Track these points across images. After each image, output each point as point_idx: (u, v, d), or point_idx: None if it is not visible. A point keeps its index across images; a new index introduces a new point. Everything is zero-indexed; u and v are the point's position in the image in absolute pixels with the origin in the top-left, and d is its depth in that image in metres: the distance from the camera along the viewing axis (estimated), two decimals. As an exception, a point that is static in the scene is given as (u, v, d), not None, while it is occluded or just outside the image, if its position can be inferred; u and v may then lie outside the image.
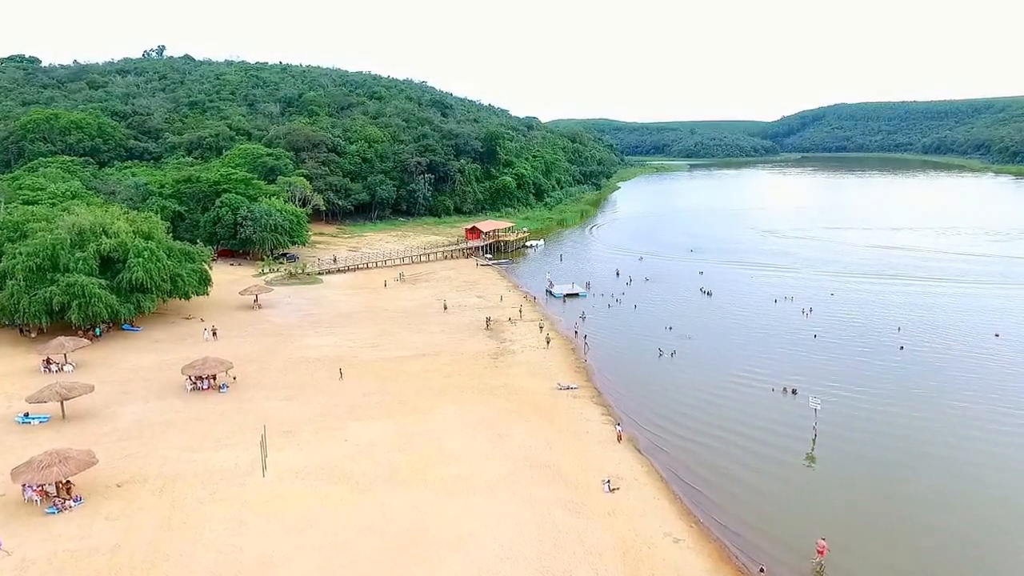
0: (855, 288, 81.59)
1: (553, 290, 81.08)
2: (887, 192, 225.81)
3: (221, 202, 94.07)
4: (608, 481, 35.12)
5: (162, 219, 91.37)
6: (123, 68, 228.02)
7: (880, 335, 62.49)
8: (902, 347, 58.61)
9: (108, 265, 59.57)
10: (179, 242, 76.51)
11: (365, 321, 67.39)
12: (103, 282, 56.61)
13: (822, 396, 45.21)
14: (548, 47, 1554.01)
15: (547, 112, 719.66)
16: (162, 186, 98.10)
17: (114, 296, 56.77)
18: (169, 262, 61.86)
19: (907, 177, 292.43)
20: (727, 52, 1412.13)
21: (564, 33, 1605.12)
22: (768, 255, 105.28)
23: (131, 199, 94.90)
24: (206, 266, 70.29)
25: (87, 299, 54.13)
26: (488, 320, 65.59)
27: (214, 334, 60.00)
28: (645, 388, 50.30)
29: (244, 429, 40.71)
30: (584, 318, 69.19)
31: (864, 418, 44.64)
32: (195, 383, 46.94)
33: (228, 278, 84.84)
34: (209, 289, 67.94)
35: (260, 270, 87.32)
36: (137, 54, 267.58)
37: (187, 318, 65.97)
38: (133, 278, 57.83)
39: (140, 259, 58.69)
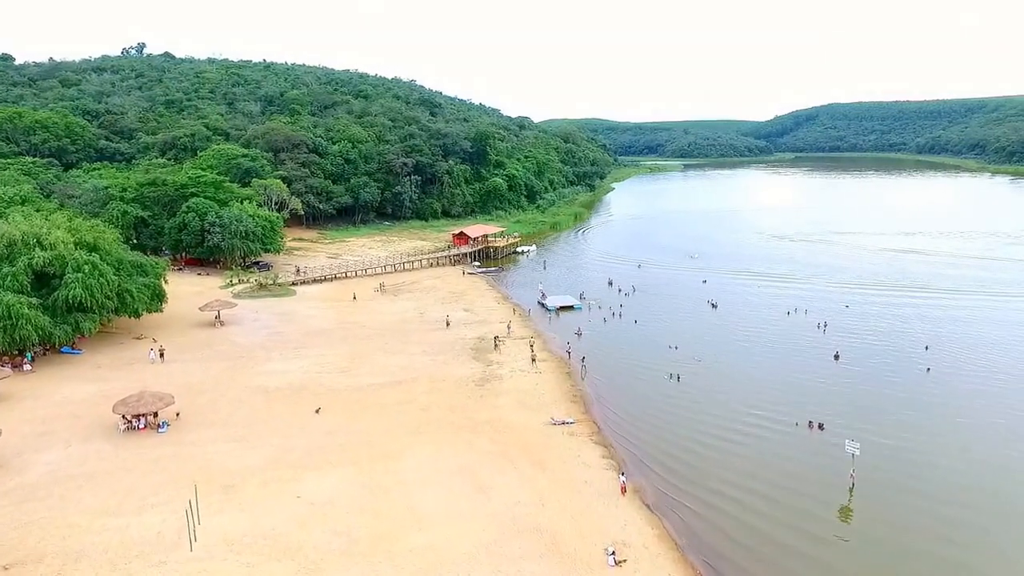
0: (871, 299, 75.70)
1: (546, 302, 74.82)
2: (889, 193, 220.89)
3: (187, 207, 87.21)
4: (613, 552, 28.90)
5: (123, 225, 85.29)
6: (99, 66, 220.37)
7: (907, 355, 56.59)
8: (929, 369, 52.74)
9: (44, 281, 52.79)
10: (135, 252, 69.98)
11: (337, 340, 60.86)
12: (34, 301, 49.85)
13: (851, 431, 39.39)
14: (541, 47, 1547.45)
15: (540, 112, 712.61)
16: (124, 190, 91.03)
17: (47, 317, 50.05)
18: (115, 276, 55.09)
19: (905, 177, 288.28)
20: (720, 52, 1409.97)
21: (557, 33, 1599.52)
22: (773, 262, 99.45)
23: (91, 204, 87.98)
24: (162, 280, 63.47)
25: (13, 321, 47.40)
26: (496, 340, 59.08)
27: (161, 355, 53.50)
28: (650, 423, 44.05)
29: (178, 482, 34.20)
30: (580, 335, 63.04)
31: (904, 461, 38.63)
32: (129, 422, 40.35)
33: (193, 290, 78.20)
34: (163, 305, 61.16)
35: (228, 281, 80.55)
36: (117, 52, 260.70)
37: (138, 338, 59.21)
38: (70, 296, 51.08)
39: (79, 274, 51.94)
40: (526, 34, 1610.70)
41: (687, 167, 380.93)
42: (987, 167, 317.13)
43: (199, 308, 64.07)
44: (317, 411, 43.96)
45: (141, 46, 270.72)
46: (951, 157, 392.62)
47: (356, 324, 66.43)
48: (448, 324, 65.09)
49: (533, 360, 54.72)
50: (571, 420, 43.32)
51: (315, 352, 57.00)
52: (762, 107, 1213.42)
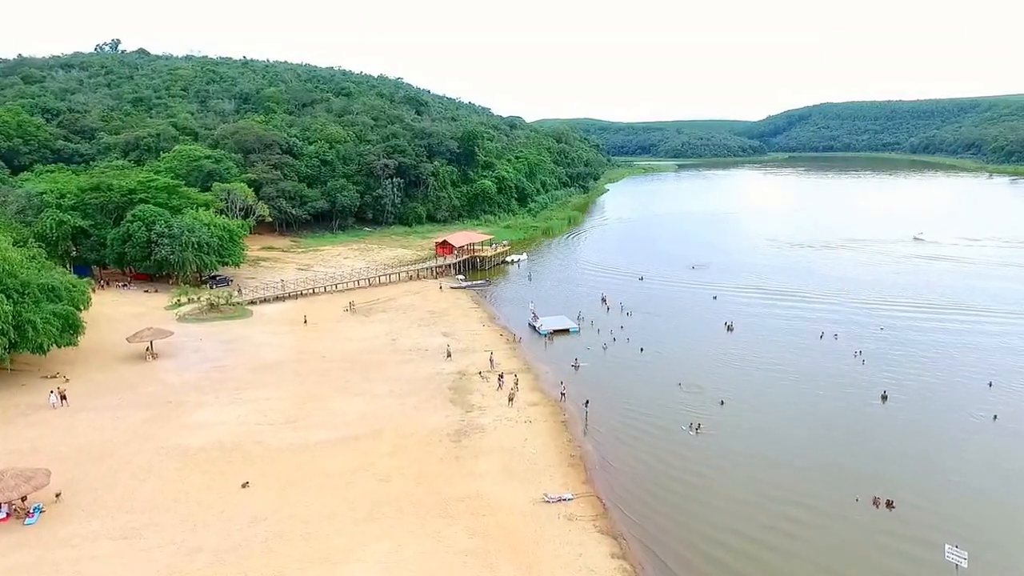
0: (906, 320, 66.35)
1: (537, 324, 65.38)
2: (893, 193, 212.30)
3: (132, 215, 77.22)
4: None
5: (59, 237, 75.50)
6: (68, 63, 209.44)
7: (964, 395, 47.39)
8: (996, 416, 43.69)
9: (-83, 313, 42.90)
10: (61, 270, 60.29)
11: (289, 377, 51.17)
12: None
13: (927, 508, 30.48)
14: (533, 47, 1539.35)
15: (532, 112, 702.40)
16: (62, 196, 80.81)
17: (-86, 359, 40.17)
18: (10, 306, 45.16)
19: (905, 178, 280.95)
20: (712, 52, 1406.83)
21: (549, 33, 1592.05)
22: (788, 273, 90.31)
23: (23, 212, 77.91)
24: (83, 304, 53.66)
25: None
26: (501, 378, 49.26)
27: (62, 398, 44.00)
28: (671, 500, 34.56)
29: (27, 614, 24.61)
30: (577, 367, 53.80)
31: (1013, 556, 29.57)
32: (-14, 511, 30.63)
33: (134, 311, 68.37)
34: (79, 338, 51.19)
35: (175, 301, 70.57)
36: (90, 49, 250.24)
37: (50, 377, 49.24)
38: (-55, 332, 41.24)
39: (-40, 304, 42.11)
40: (518, 34, 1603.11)
41: (681, 167, 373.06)
42: (985, 167, 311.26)
43: (127, 339, 54.04)
44: (244, 485, 34.38)
45: (115, 42, 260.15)
46: (946, 157, 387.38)
47: (315, 355, 56.70)
48: (449, 355, 55.45)
49: (511, 400, 45.54)
50: (569, 496, 33.96)
51: (259, 394, 47.28)
52: (755, 107, 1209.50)
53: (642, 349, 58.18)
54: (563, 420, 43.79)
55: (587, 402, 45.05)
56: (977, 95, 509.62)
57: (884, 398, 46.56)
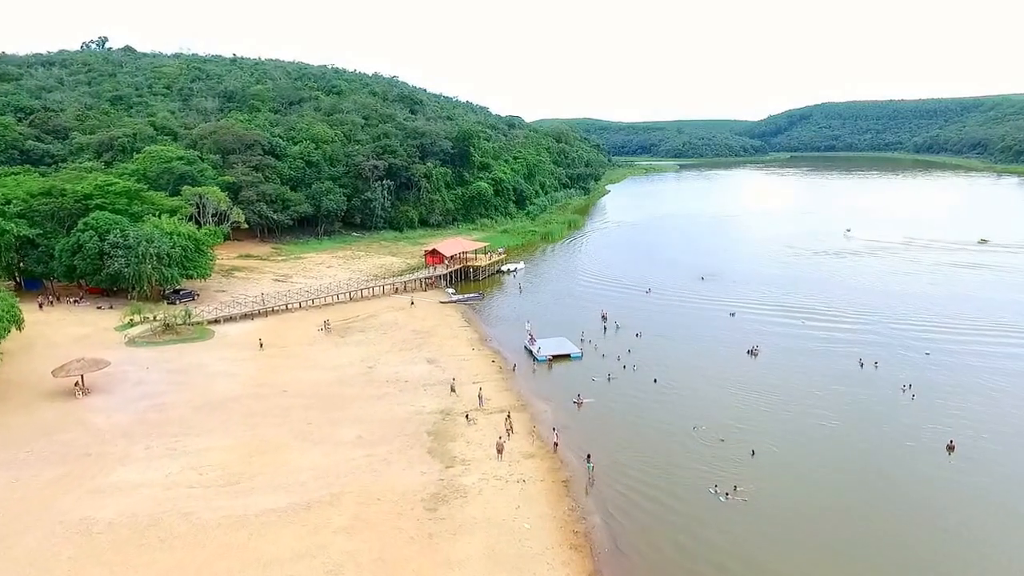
0: (954, 344, 58.05)
1: (534, 348, 57.59)
2: (903, 194, 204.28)
3: (84, 223, 69.51)
4: None
5: (2, 247, 67.96)
6: (49, 60, 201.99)
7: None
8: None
9: None
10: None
11: (239, 418, 43.39)
12: None
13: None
14: (532, 47, 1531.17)
15: (531, 112, 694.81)
16: (7, 202, 73.00)
17: None
18: None
19: (912, 178, 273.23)
20: (711, 51, 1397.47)
21: (547, 33, 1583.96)
22: (807, 285, 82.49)
23: (-37, 219, 70.20)
24: (7, 330, 46.00)
25: None
26: (508, 419, 42.09)
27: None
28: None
29: None
30: (580, 404, 46.13)
31: None
32: None
33: (79, 332, 60.73)
34: (-10, 373, 43.55)
35: (127, 320, 62.70)
36: (76, 47, 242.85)
37: (-44, 419, 41.66)
38: None
39: None
40: (518, 33, 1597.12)
41: (682, 167, 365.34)
42: (993, 167, 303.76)
43: (52, 373, 46.24)
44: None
45: (102, 40, 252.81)
46: (951, 156, 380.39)
47: (276, 388, 48.87)
48: (453, 389, 47.63)
49: (500, 452, 37.95)
50: (573, 598, 26.30)
51: (200, 443, 39.51)
52: (756, 106, 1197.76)
53: (656, 380, 50.37)
54: (564, 480, 35.98)
55: (589, 456, 37.18)
56: (980, 94, 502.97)
57: (950, 449, 38.85)
